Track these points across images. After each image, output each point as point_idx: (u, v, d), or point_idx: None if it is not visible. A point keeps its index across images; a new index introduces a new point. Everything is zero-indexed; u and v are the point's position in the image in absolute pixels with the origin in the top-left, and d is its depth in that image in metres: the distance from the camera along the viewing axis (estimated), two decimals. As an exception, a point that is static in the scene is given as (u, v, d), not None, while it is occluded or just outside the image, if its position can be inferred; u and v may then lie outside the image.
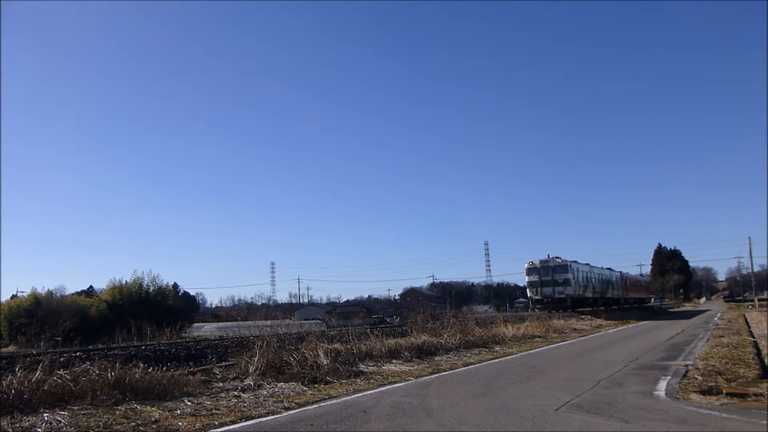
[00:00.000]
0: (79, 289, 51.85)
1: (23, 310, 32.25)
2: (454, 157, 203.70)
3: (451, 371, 12.07)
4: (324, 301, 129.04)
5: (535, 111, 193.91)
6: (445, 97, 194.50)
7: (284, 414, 7.52)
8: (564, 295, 37.36)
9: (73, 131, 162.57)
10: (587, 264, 42.47)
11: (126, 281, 39.06)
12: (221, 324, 52.74)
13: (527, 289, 39.56)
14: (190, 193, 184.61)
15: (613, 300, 48.27)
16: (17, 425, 6.58)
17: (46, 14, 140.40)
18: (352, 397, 8.85)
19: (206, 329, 43.22)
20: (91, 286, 55.39)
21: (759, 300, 62.85)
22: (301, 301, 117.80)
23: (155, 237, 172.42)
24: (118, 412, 7.45)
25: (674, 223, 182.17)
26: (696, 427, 6.18)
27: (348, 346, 13.78)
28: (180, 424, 6.86)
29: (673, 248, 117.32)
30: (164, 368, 9.95)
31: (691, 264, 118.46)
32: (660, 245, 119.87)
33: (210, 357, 12.55)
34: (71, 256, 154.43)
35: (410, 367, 12.69)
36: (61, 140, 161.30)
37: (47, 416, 6.97)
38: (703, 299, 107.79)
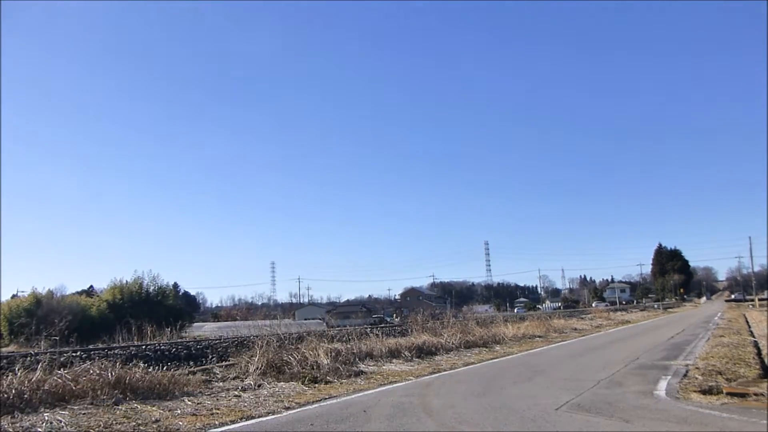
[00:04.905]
0: (79, 289, 51.73)
1: (23, 310, 32.08)
2: (455, 157, 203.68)
3: (452, 371, 12.07)
4: (324, 300, 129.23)
5: (535, 111, 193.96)
6: (446, 97, 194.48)
7: (284, 414, 7.51)
8: None
9: (73, 131, 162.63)
10: None
11: (126, 281, 38.93)
12: (221, 324, 52.78)
13: None
14: (191, 193, 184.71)
15: None
16: (18, 425, 6.58)
17: (46, 14, 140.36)
18: (353, 396, 8.85)
19: (206, 329, 43.20)
20: (91, 286, 55.28)
21: (759, 300, 62.83)
22: (301, 301, 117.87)
23: (155, 237, 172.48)
24: (118, 412, 7.45)
25: (674, 223, 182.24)
26: (696, 426, 6.17)
27: (348, 346, 13.78)
28: (180, 423, 6.86)
29: (673, 248, 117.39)
30: (165, 368, 9.97)
31: (691, 264, 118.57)
32: (660, 245, 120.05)
33: (210, 357, 12.58)
34: (71, 256, 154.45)
35: (410, 367, 12.68)
36: (61, 139, 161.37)
37: (47, 416, 6.97)
38: (704, 299, 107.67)
